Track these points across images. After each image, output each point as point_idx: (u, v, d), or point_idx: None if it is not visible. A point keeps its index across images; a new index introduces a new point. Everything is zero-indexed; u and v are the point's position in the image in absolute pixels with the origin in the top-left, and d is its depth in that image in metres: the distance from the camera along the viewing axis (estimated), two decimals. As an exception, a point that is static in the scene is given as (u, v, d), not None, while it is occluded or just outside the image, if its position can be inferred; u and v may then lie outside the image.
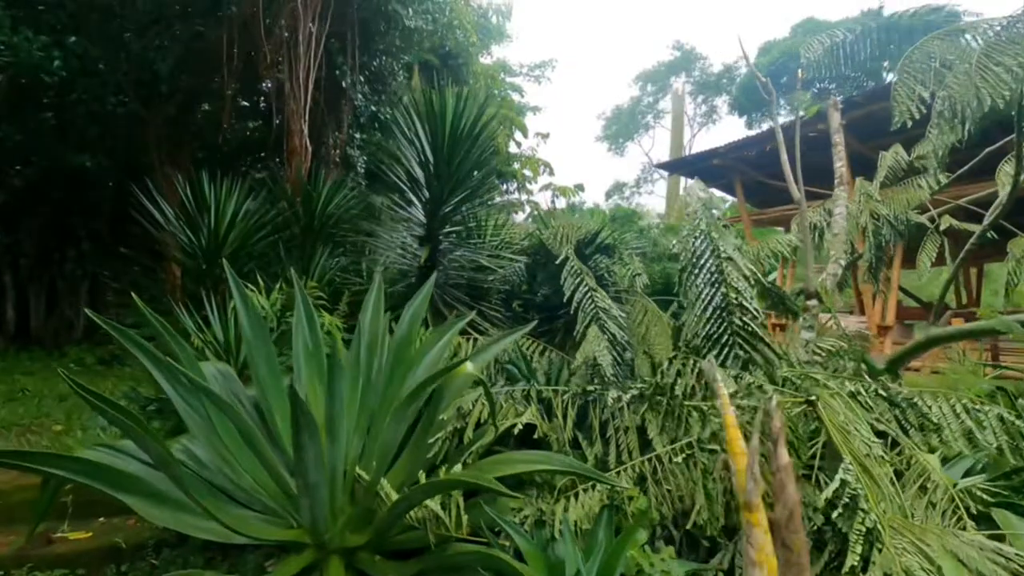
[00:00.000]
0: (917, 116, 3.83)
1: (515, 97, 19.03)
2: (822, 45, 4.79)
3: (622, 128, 39.88)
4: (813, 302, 5.69)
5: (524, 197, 17.00)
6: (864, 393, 2.88)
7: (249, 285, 3.27)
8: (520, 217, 15.61)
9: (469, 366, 2.43)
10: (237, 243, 4.27)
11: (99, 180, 7.35)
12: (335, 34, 6.13)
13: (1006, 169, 5.77)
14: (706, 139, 49.10)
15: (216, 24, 6.31)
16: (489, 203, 4.75)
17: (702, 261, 3.26)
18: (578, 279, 3.90)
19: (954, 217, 6.46)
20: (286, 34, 5.63)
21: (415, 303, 2.95)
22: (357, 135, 8.32)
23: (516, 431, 2.61)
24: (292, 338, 2.94)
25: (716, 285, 3.27)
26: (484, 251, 4.69)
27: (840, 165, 6.35)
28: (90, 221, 7.83)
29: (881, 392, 2.92)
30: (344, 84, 6.82)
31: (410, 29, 6.76)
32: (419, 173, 4.22)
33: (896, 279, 12.19)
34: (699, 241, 3.28)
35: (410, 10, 6.58)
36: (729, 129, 43.43)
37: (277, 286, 3.50)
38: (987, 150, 6.03)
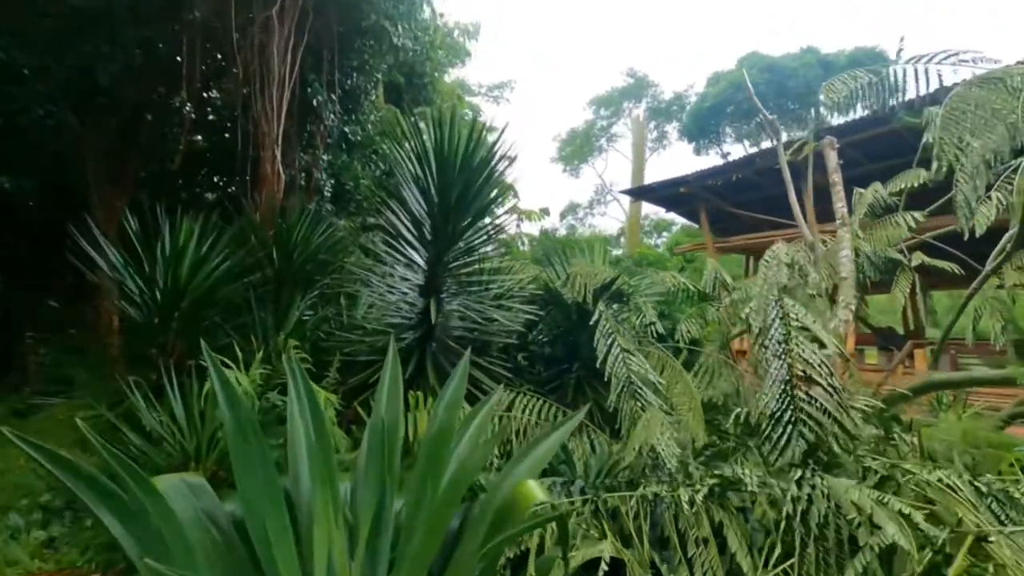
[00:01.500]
0: (961, 162, 3.66)
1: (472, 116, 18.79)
2: (846, 86, 4.59)
3: (577, 150, 40.38)
4: (827, 351, 5.42)
5: (488, 220, 16.55)
6: (959, 486, 2.54)
7: (226, 360, 2.60)
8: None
9: (538, 491, 1.90)
10: (200, 292, 3.55)
11: (20, 202, 6.33)
12: (309, 49, 5.50)
13: (983, 211, 5.84)
14: (657, 163, 50.67)
15: (169, 30, 5.54)
16: (496, 249, 4.21)
17: (771, 332, 2.88)
18: (610, 339, 3.44)
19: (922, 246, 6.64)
20: (258, 47, 4.95)
21: (450, 388, 2.36)
22: (325, 157, 7.64)
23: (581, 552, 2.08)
24: (288, 428, 2.32)
25: (782, 357, 2.90)
26: (486, 299, 4.15)
27: (841, 206, 6.22)
28: (6, 249, 6.73)
29: (975, 483, 2.59)
30: (315, 103, 6.17)
31: (397, 47, 6.20)
32: (422, 213, 3.66)
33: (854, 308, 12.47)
34: (771, 309, 2.90)
35: (399, 27, 6.02)
36: (678, 154, 44.90)
37: (258, 355, 2.84)
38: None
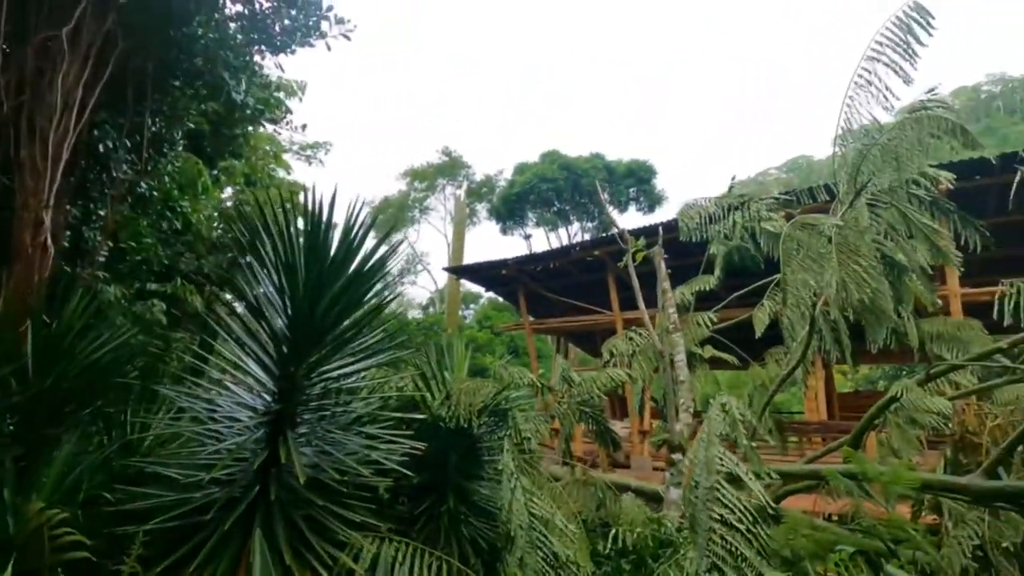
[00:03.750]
0: (807, 301, 4.18)
1: (281, 175, 17.65)
2: (699, 215, 5.09)
3: (389, 219, 40.26)
4: (678, 455, 5.65)
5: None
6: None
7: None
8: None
9: None
10: None
11: None
12: (108, 83, 4.17)
13: (759, 315, 7.02)
14: (467, 239, 53.26)
15: None
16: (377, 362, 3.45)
17: (702, 480, 2.70)
18: (513, 482, 2.95)
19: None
20: (32, 74, 3.51)
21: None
22: (101, 212, 6.02)
23: None
24: None
25: (706, 505, 2.74)
26: (346, 425, 3.36)
27: (672, 312, 6.80)
28: None
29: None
30: (102, 148, 4.74)
31: (235, 103, 5.13)
32: (280, 325, 2.79)
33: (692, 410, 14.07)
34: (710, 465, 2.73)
35: (242, 80, 4.98)
36: (486, 232, 47.90)
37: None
38: (735, 294, 7.55)
